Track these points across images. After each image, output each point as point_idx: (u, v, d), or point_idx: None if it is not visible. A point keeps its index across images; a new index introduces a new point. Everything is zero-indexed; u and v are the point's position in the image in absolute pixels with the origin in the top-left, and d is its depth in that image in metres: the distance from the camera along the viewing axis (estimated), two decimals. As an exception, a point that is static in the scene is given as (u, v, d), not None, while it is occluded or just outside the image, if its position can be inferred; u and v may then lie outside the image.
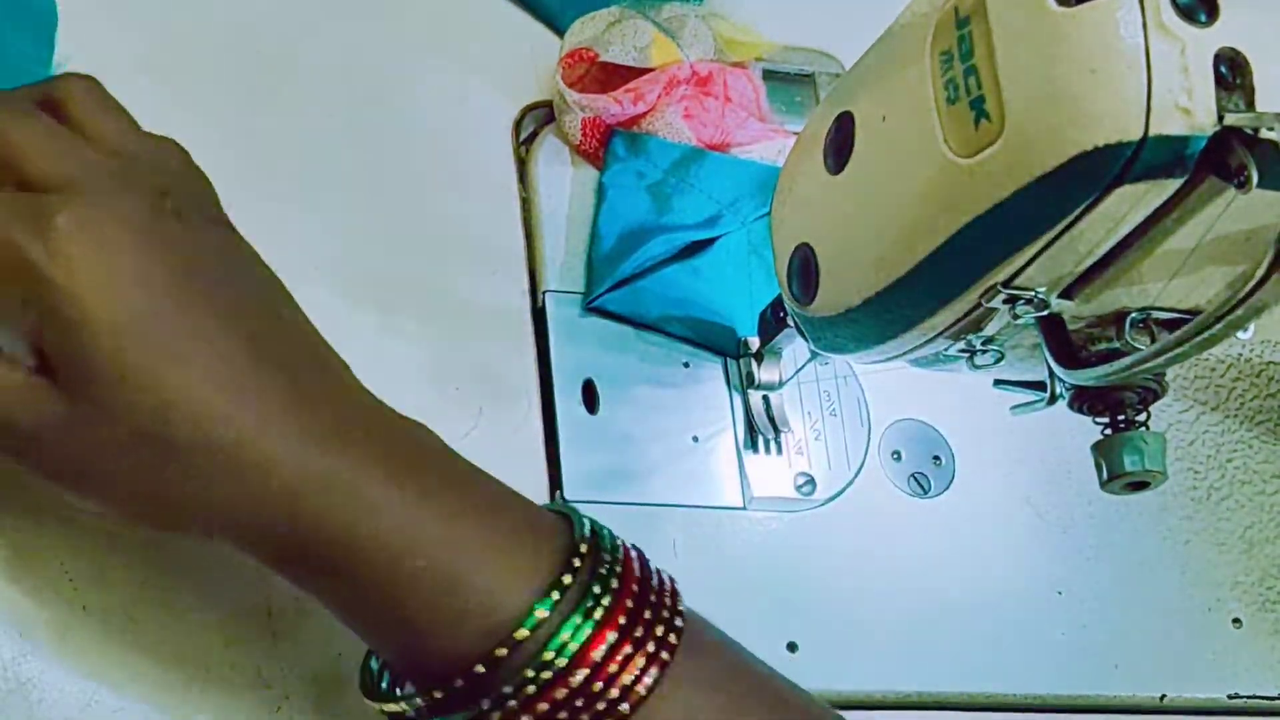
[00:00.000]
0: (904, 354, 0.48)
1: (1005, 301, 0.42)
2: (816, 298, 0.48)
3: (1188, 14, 0.36)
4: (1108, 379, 0.43)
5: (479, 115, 0.64)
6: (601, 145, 0.63)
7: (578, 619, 0.40)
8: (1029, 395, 0.49)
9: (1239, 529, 0.65)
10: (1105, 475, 0.46)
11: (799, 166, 0.49)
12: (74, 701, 0.46)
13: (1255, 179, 0.35)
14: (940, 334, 0.45)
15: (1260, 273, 0.37)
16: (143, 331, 0.40)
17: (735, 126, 0.65)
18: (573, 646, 0.40)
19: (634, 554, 0.43)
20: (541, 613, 0.40)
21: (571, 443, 0.57)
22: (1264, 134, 0.35)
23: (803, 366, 0.60)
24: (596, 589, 0.41)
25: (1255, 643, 0.63)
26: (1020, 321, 0.43)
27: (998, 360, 0.47)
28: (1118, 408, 0.45)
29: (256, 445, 0.40)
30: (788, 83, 0.69)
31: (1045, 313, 0.43)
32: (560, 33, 0.66)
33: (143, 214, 0.42)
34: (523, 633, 0.40)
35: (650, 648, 0.40)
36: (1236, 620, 0.63)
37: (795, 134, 0.63)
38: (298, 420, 0.41)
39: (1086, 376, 0.43)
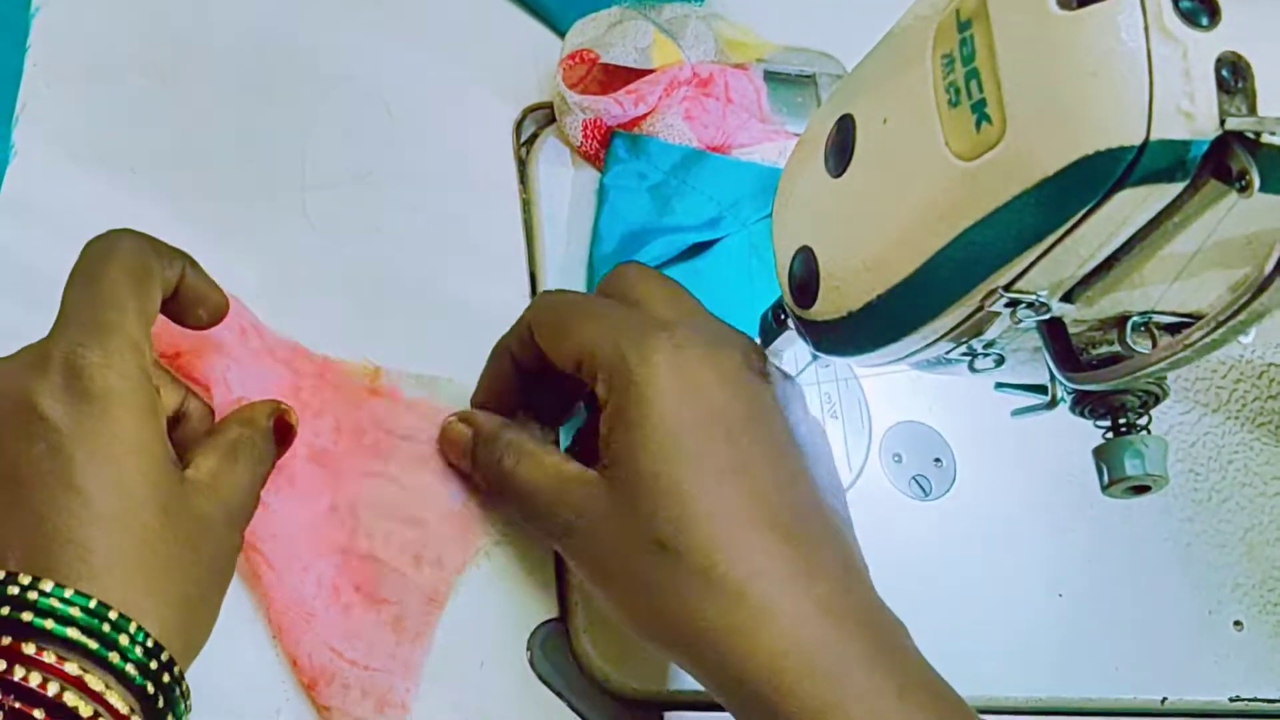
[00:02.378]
0: (905, 357, 0.47)
1: (1006, 305, 0.42)
2: (817, 300, 0.48)
3: (1189, 17, 0.36)
4: (1109, 383, 0.43)
5: (480, 116, 0.64)
6: (602, 147, 0.63)
7: None
8: (1030, 398, 0.49)
9: (1240, 531, 0.65)
10: (1106, 479, 0.46)
11: (800, 169, 0.49)
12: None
13: (1257, 183, 0.35)
14: (941, 337, 0.45)
15: (1262, 277, 0.37)
16: (692, 453, 0.45)
17: (737, 128, 0.65)
18: None
19: None
20: None
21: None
22: (1266, 138, 0.35)
23: (804, 369, 0.60)
24: None
25: (1256, 645, 0.63)
26: (1021, 325, 0.43)
27: (999, 364, 0.47)
28: (1119, 411, 0.45)
29: (760, 590, 0.43)
30: (789, 84, 0.69)
31: (1046, 316, 0.42)
32: (561, 34, 0.66)
33: (732, 363, 0.47)
34: None
35: None
36: (1238, 623, 0.63)
37: (796, 135, 0.63)
38: (807, 582, 0.44)
39: (1088, 381, 0.43)
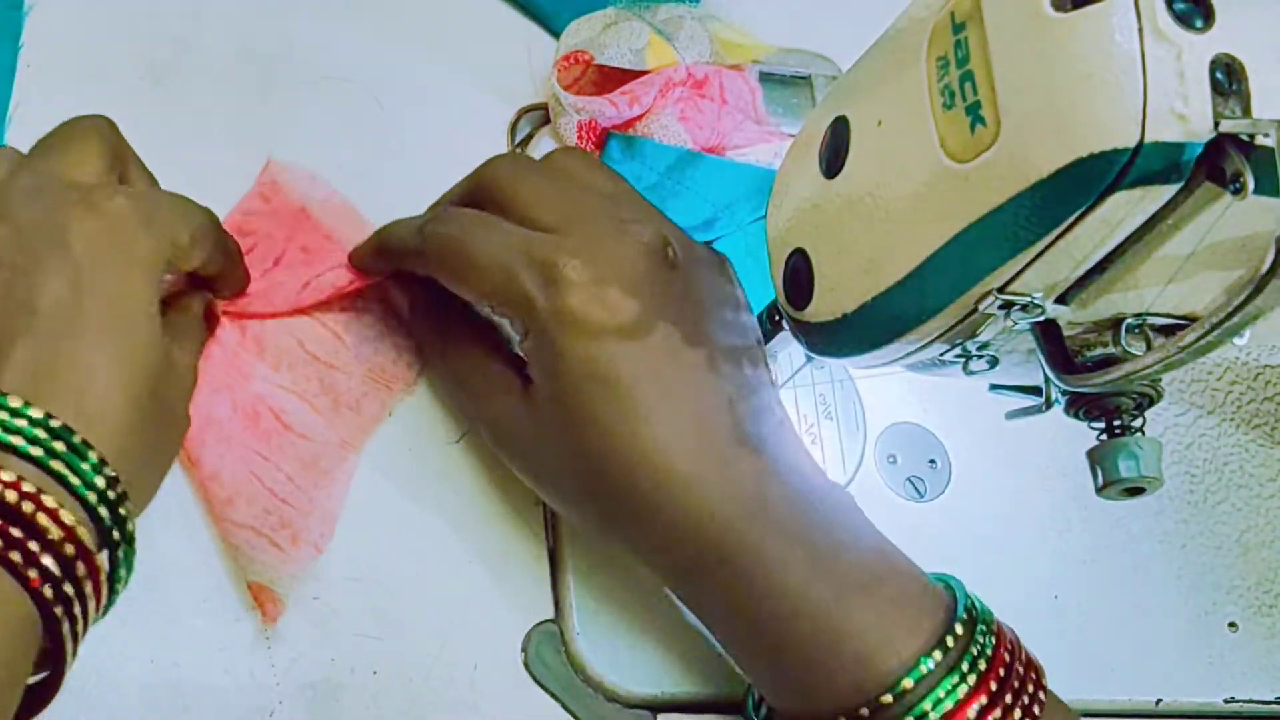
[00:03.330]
0: (899, 359, 0.47)
1: (1001, 307, 0.42)
2: (811, 302, 0.48)
3: (1184, 20, 0.36)
4: (1103, 385, 0.43)
5: (474, 117, 0.64)
6: (597, 148, 0.63)
7: (954, 678, 0.43)
8: (1025, 400, 0.49)
9: (1235, 533, 0.65)
10: (1101, 481, 0.46)
11: (794, 171, 0.49)
12: (67, 706, 0.46)
13: (1251, 185, 0.35)
14: (935, 339, 0.45)
15: (1257, 279, 0.37)
16: (611, 382, 0.46)
17: (731, 129, 0.65)
18: (948, 704, 0.43)
19: (1008, 631, 0.47)
20: (925, 667, 0.43)
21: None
22: (1260, 140, 0.35)
23: (798, 370, 0.59)
24: (974, 652, 0.44)
25: (1251, 647, 0.63)
26: (1016, 327, 0.43)
27: (993, 365, 0.47)
28: (1113, 413, 0.45)
29: (694, 494, 0.45)
30: (784, 85, 0.69)
31: (1041, 318, 0.42)
32: (556, 34, 0.66)
33: (640, 265, 0.47)
34: (907, 683, 0.43)
35: (1017, 715, 0.43)
36: (1233, 624, 0.63)
37: (791, 136, 0.63)
38: (735, 480, 0.46)
39: (1082, 383, 0.43)
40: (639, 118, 0.63)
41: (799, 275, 0.48)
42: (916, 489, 0.62)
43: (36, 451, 0.39)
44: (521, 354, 0.49)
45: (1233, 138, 0.36)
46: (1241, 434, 0.68)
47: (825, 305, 0.47)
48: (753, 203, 0.63)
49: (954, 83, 0.40)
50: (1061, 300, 0.42)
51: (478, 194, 0.51)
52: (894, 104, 0.43)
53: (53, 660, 0.40)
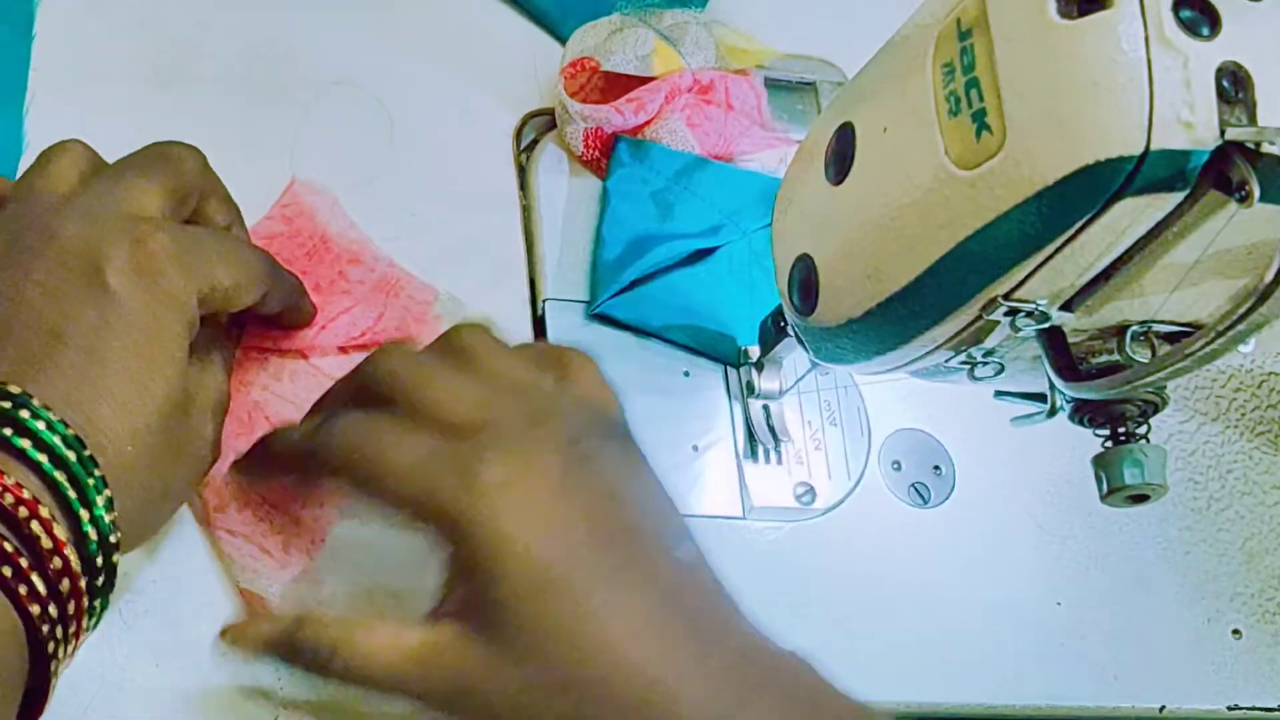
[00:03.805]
0: (904, 365, 0.47)
1: (1006, 314, 0.42)
2: (817, 308, 0.48)
3: (1190, 27, 0.36)
4: (1108, 392, 0.42)
5: (480, 123, 0.64)
6: (603, 155, 0.63)
7: None
8: (1029, 407, 0.49)
9: (1239, 540, 0.65)
10: (1105, 488, 0.45)
11: (800, 177, 0.49)
12: (71, 710, 0.46)
13: (1257, 193, 0.35)
14: (941, 346, 0.45)
15: (1262, 287, 0.37)
16: (562, 589, 0.42)
17: (738, 134, 0.65)
18: None
19: None
20: None
21: (571, 451, 0.57)
22: (1266, 148, 0.35)
23: (803, 376, 0.60)
24: None
25: (1255, 654, 0.63)
26: (1021, 334, 0.43)
27: (998, 372, 0.47)
28: (1118, 420, 0.45)
29: (663, 690, 0.42)
30: (789, 91, 0.69)
31: (1046, 325, 0.42)
32: (561, 40, 0.66)
33: (559, 465, 0.44)
34: None
35: None
36: (1236, 631, 0.63)
37: (797, 142, 0.63)
38: (702, 669, 0.43)
39: (1087, 389, 0.43)
40: (646, 124, 0.63)
41: (804, 281, 0.48)
42: (921, 495, 0.62)
43: (42, 458, 0.39)
44: (440, 578, 0.44)
45: (1239, 146, 0.36)
46: (1245, 441, 0.68)
47: (830, 311, 0.47)
48: (759, 209, 0.63)
49: (959, 89, 0.40)
50: (1067, 307, 0.42)
51: (373, 390, 0.46)
52: (899, 111, 0.43)
53: (36, 678, 0.39)
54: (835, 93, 0.67)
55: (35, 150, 0.48)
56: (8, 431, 0.39)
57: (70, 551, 0.39)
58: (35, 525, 0.38)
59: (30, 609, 0.37)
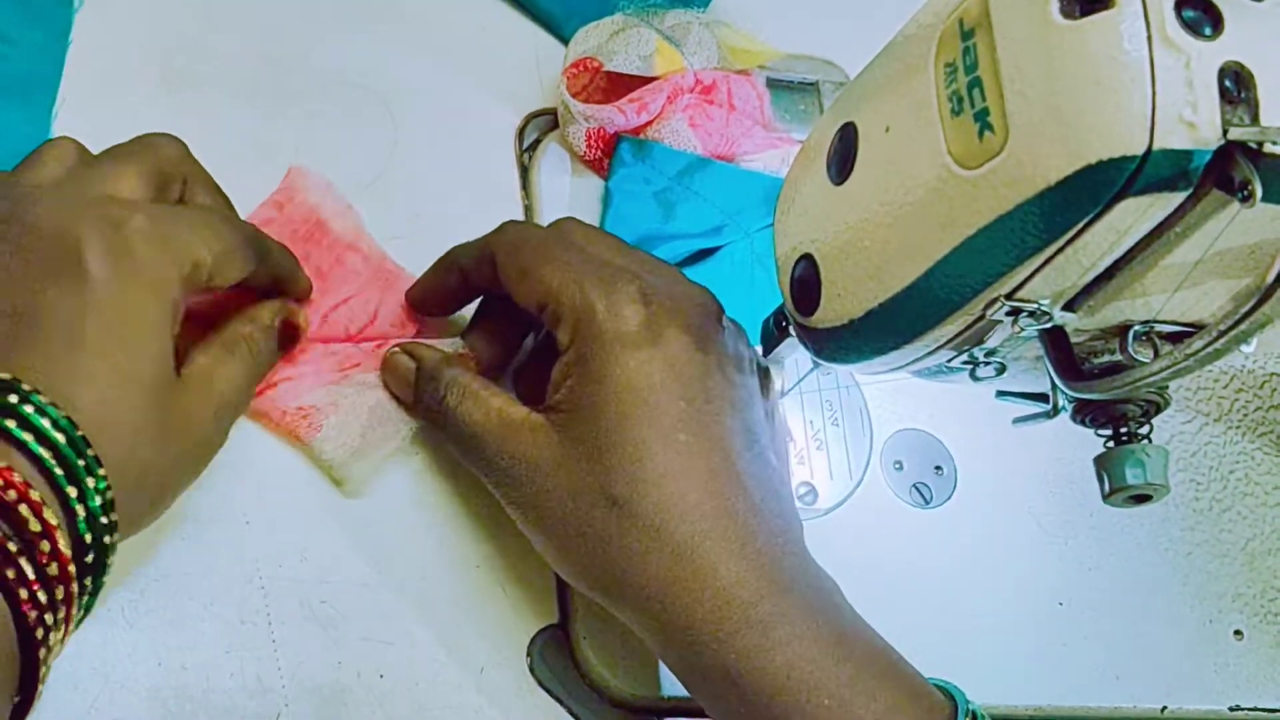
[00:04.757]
0: (906, 365, 0.47)
1: (1008, 314, 0.42)
2: (819, 308, 0.48)
3: (1192, 27, 0.36)
4: (1110, 392, 0.43)
5: (482, 122, 0.64)
6: (606, 155, 0.63)
7: None
8: (1031, 407, 0.49)
9: (1241, 541, 0.65)
10: (1107, 488, 0.46)
11: (802, 177, 0.49)
12: (74, 708, 0.46)
13: (1259, 193, 0.35)
14: (943, 346, 0.45)
15: (1265, 286, 0.37)
16: (652, 411, 0.46)
17: (740, 135, 0.65)
18: None
19: None
20: None
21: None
22: (1268, 148, 0.35)
23: (805, 376, 0.60)
24: None
25: (1257, 655, 0.63)
26: (1023, 334, 0.43)
27: (1000, 372, 0.47)
28: (1120, 420, 0.45)
29: (705, 550, 0.45)
30: (791, 91, 0.69)
31: (1048, 325, 0.42)
32: (564, 39, 0.66)
33: (694, 317, 0.49)
34: None
35: None
36: (1238, 632, 0.63)
37: (799, 142, 0.63)
38: (751, 547, 0.46)
39: (1089, 390, 0.43)
40: (648, 124, 0.63)
41: (806, 281, 0.48)
42: (922, 495, 0.62)
43: (28, 437, 0.38)
44: (555, 374, 0.48)
45: (1241, 145, 0.36)
46: (1247, 442, 0.68)
47: (832, 311, 0.47)
48: (761, 210, 0.63)
49: (962, 89, 0.40)
50: (1069, 307, 0.42)
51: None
52: (902, 110, 0.43)
53: (26, 665, 0.38)
54: (837, 93, 0.67)
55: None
56: (10, 423, 0.38)
57: (61, 535, 0.38)
58: (24, 509, 0.37)
59: (18, 593, 0.37)
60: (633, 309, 0.47)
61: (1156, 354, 0.42)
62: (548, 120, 0.65)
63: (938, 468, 0.62)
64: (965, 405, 0.62)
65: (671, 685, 0.53)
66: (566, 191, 0.63)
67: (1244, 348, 0.39)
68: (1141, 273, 0.40)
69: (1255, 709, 0.61)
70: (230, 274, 0.47)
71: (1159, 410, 0.45)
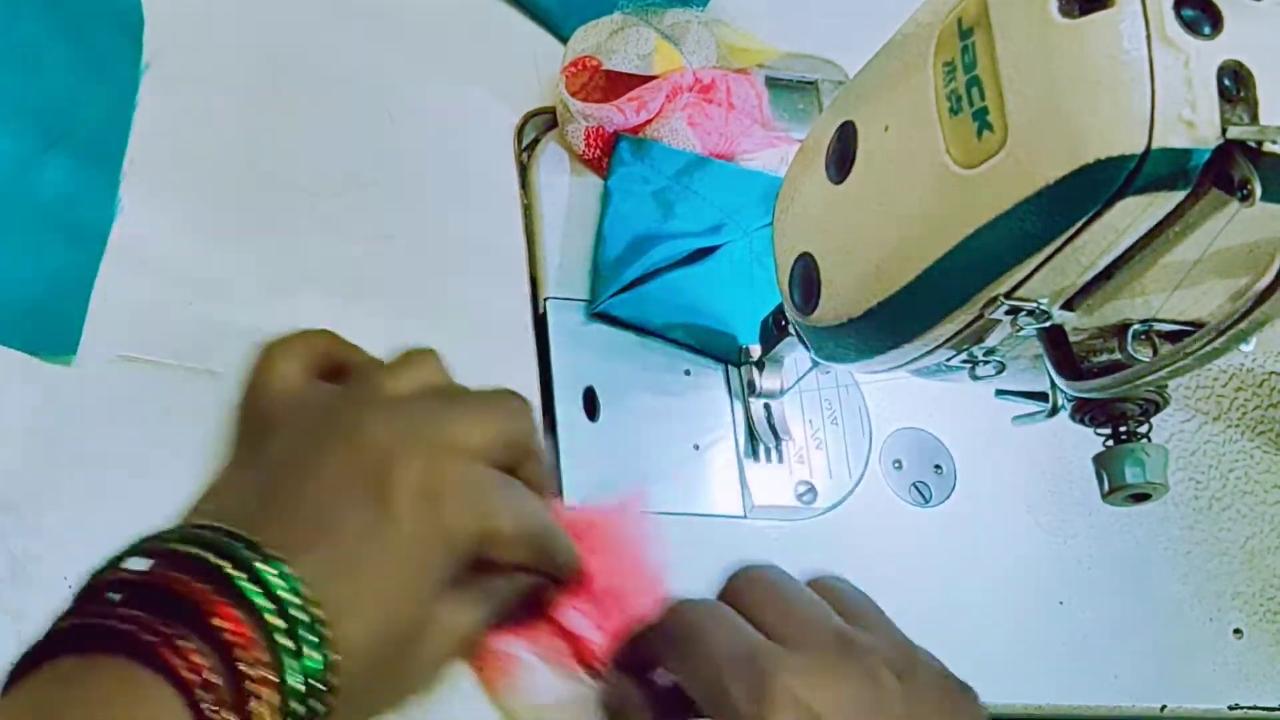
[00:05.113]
0: (905, 364, 0.47)
1: (1007, 313, 0.42)
2: (818, 307, 0.48)
3: (1192, 26, 0.36)
4: (1110, 391, 0.42)
5: (481, 122, 0.64)
6: (605, 154, 0.63)
7: None
8: (1031, 406, 0.49)
9: (1240, 539, 0.65)
10: (1107, 487, 0.45)
11: (801, 176, 0.49)
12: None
13: (1259, 192, 0.35)
14: (942, 345, 0.45)
15: (1263, 285, 0.37)
16: None
17: (739, 133, 0.65)
18: None
19: None
20: None
21: (572, 450, 0.57)
22: (1268, 147, 0.35)
23: (804, 375, 0.59)
24: None
25: (1256, 653, 0.63)
26: (1022, 333, 0.43)
27: (999, 371, 0.47)
28: (1119, 419, 0.45)
29: None
30: (790, 90, 0.69)
31: (1047, 324, 0.42)
32: (563, 39, 0.66)
33: (857, 693, 0.43)
34: None
35: None
36: (1237, 631, 0.63)
37: (798, 141, 0.63)
38: None
39: (1088, 388, 0.43)
40: (648, 123, 0.63)
41: (806, 280, 0.48)
42: (922, 494, 0.62)
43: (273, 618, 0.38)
44: None
45: (1240, 144, 0.36)
46: (1247, 440, 0.68)
47: (832, 310, 0.47)
48: (760, 208, 0.63)
49: (961, 88, 0.40)
50: (1068, 306, 0.42)
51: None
52: (901, 109, 0.43)
53: None
54: (836, 91, 0.67)
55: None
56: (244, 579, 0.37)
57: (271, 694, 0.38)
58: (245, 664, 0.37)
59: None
60: (756, 687, 0.42)
61: (1155, 352, 0.42)
62: (547, 119, 0.65)
63: (937, 467, 0.62)
64: (965, 404, 0.62)
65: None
66: (565, 190, 0.63)
67: (1243, 346, 0.39)
68: (1140, 271, 0.40)
69: (1254, 708, 0.61)
70: (516, 555, 0.45)
71: (1158, 409, 0.45)
